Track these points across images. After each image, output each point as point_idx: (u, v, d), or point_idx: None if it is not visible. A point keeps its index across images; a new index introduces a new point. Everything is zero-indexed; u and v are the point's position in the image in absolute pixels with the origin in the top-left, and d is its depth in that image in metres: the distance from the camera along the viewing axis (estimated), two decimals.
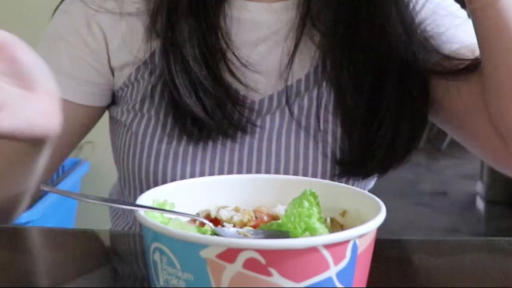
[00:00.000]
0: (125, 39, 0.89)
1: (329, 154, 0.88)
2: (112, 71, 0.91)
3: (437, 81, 0.87)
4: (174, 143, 0.86)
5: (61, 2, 0.93)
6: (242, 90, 0.88)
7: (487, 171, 4.19)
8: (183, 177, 0.85)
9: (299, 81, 0.90)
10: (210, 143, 0.86)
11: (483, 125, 0.85)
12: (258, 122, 0.89)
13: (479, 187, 4.24)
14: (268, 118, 0.89)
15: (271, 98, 0.89)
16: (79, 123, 0.93)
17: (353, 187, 0.62)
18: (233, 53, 0.87)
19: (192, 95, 0.85)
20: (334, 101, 0.89)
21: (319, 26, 0.89)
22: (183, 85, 0.85)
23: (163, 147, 0.86)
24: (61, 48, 0.91)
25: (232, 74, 0.87)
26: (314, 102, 0.89)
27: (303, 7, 0.89)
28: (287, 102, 0.88)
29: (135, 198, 0.91)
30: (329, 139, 0.88)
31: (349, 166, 0.87)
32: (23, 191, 0.83)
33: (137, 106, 0.89)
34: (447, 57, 0.87)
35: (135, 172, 0.88)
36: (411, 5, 0.88)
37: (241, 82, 0.88)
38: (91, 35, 0.90)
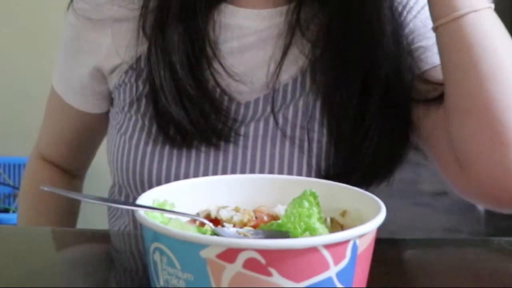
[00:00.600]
0: (113, 43, 0.91)
1: (313, 164, 0.87)
2: (106, 75, 0.94)
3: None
4: (159, 147, 0.87)
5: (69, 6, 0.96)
6: (226, 100, 0.88)
7: None
8: (168, 179, 0.85)
9: (285, 85, 0.89)
10: (194, 150, 0.86)
11: (445, 148, 0.83)
12: (242, 131, 0.88)
13: None
14: (252, 126, 0.88)
15: (256, 101, 0.89)
16: (93, 128, 1.02)
17: (353, 187, 0.62)
18: (220, 63, 0.87)
19: (178, 103, 0.85)
20: (320, 110, 0.88)
21: (308, 35, 0.88)
22: (168, 92, 0.85)
23: (149, 149, 0.87)
24: (63, 55, 0.97)
25: (218, 84, 0.87)
26: (300, 111, 0.88)
27: (292, 15, 0.88)
28: (272, 110, 0.88)
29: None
30: (315, 149, 0.87)
31: (333, 177, 0.87)
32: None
33: (126, 108, 0.91)
34: (424, 79, 0.86)
35: (123, 173, 0.89)
36: (404, 13, 0.88)
37: (225, 93, 0.87)
38: (86, 46, 0.93)
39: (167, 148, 0.86)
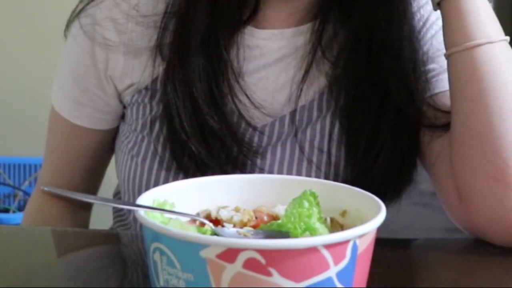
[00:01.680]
0: (125, 63, 0.87)
1: None
2: (119, 94, 0.90)
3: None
4: (172, 173, 0.84)
5: (71, 18, 0.91)
6: (244, 128, 0.85)
7: None
8: None
9: (303, 107, 0.86)
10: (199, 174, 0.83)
11: (447, 177, 0.81)
12: (258, 159, 0.85)
13: None
14: (269, 151, 0.86)
15: (273, 124, 0.86)
16: (99, 145, 0.95)
17: (353, 187, 0.62)
18: (245, 94, 0.84)
19: (198, 137, 0.82)
20: (339, 132, 0.86)
21: (328, 54, 0.86)
22: (189, 127, 0.81)
23: (162, 175, 0.85)
24: (70, 77, 0.91)
25: (241, 115, 0.84)
26: (318, 134, 0.86)
27: (316, 34, 0.86)
28: (295, 133, 0.85)
29: (134, 217, 0.91)
30: (332, 171, 0.86)
31: None
32: None
33: (138, 129, 0.88)
34: (433, 104, 0.84)
35: (135, 193, 0.87)
36: (423, 30, 0.86)
37: (244, 120, 0.84)
38: (95, 66, 0.88)
39: (181, 176, 0.84)
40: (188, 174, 0.83)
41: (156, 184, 0.85)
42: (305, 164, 0.85)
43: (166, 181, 0.84)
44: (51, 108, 0.96)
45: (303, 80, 0.86)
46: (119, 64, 0.87)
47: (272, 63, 0.86)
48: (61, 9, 0.96)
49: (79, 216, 1.01)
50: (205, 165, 0.82)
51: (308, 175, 0.85)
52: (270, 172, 0.85)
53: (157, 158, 0.85)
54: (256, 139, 0.86)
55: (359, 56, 0.84)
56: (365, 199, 0.59)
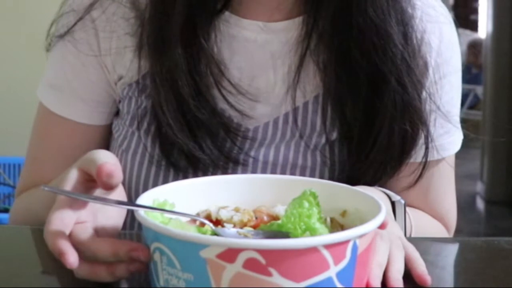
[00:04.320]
0: (117, 55, 0.86)
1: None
2: (115, 83, 0.88)
3: None
4: (163, 168, 0.83)
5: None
6: (236, 118, 0.84)
7: (487, 171, 4.19)
8: None
9: (296, 109, 0.85)
10: (200, 173, 0.82)
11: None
12: (252, 153, 0.84)
13: (479, 187, 4.24)
14: (262, 150, 0.84)
15: (266, 126, 0.84)
16: (91, 144, 0.91)
17: (353, 187, 0.62)
18: (228, 80, 0.82)
19: (184, 130, 0.81)
20: (339, 131, 0.85)
21: (325, 42, 0.84)
22: (174, 120, 0.80)
23: (153, 171, 0.84)
24: (67, 69, 0.89)
25: (228, 102, 0.82)
26: (316, 133, 0.85)
27: (307, 26, 0.84)
28: (300, 136, 0.84)
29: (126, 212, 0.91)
30: (327, 170, 0.85)
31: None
32: None
33: (127, 123, 0.87)
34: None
35: (125, 188, 0.86)
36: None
37: (236, 109, 0.83)
38: (90, 55, 0.87)
39: (172, 172, 0.83)
40: (179, 170, 0.83)
41: (147, 179, 0.84)
42: (302, 146, 0.85)
43: (157, 176, 0.84)
44: (39, 108, 0.93)
45: (297, 78, 0.84)
46: (111, 52, 0.87)
47: (261, 59, 0.85)
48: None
49: None
50: (197, 160, 0.82)
51: (305, 157, 0.84)
52: (265, 161, 0.84)
53: (147, 154, 0.84)
54: (248, 134, 0.84)
55: (351, 52, 0.82)
56: (365, 199, 0.59)
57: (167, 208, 0.57)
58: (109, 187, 0.58)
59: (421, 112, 0.84)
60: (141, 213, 0.53)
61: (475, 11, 7.99)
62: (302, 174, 0.84)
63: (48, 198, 0.66)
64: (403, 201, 0.79)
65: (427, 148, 0.85)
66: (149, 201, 0.57)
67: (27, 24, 2.34)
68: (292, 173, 0.84)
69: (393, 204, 0.79)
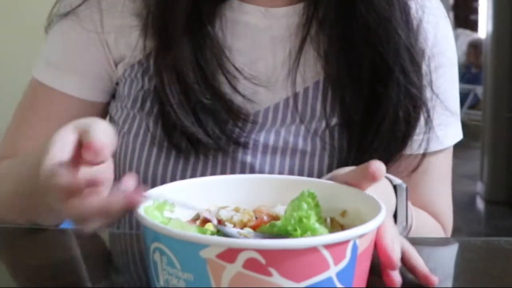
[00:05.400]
0: (120, 33, 0.87)
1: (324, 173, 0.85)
2: (115, 63, 0.89)
3: None
4: (165, 150, 0.84)
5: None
6: (238, 102, 0.84)
7: (487, 171, 4.19)
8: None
9: (296, 94, 0.86)
10: (201, 156, 0.84)
11: None
12: (253, 136, 0.85)
13: (479, 187, 4.23)
14: (263, 134, 0.85)
15: (266, 110, 0.85)
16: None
17: (353, 187, 0.62)
18: (233, 65, 0.84)
19: (188, 112, 0.81)
20: (339, 118, 0.85)
21: (325, 30, 0.85)
22: (178, 103, 0.81)
23: (154, 151, 0.84)
24: (67, 44, 0.90)
25: (232, 86, 0.83)
26: (316, 118, 0.85)
27: (308, 12, 0.85)
28: (301, 120, 0.85)
29: None
30: (326, 156, 0.85)
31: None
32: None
33: (129, 105, 0.87)
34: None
35: (125, 170, 0.86)
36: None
37: (239, 93, 0.84)
38: (92, 31, 0.88)
39: (173, 153, 0.84)
40: (180, 152, 0.83)
41: (148, 161, 0.85)
42: (302, 131, 0.85)
43: (158, 158, 0.84)
44: (29, 84, 0.92)
45: (297, 64, 0.85)
46: (114, 29, 0.87)
47: (262, 44, 0.86)
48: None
49: None
50: (198, 141, 0.83)
51: (305, 142, 0.84)
52: (265, 144, 0.85)
53: (149, 135, 0.85)
54: (251, 111, 0.85)
55: (353, 28, 0.83)
56: (365, 199, 0.59)
57: (167, 208, 0.57)
58: (91, 164, 0.57)
59: (423, 97, 0.84)
60: (141, 213, 0.53)
61: (475, 11, 7.98)
62: (302, 158, 0.85)
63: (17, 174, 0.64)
64: (404, 185, 0.77)
65: (427, 133, 0.86)
66: (149, 201, 0.57)
67: (28, 22, 2.34)
68: (292, 158, 0.85)
69: (395, 188, 0.78)
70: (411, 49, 0.84)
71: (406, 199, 0.77)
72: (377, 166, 0.59)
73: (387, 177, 0.81)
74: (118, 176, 0.86)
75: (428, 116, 0.86)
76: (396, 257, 0.57)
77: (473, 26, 7.77)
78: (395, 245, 0.58)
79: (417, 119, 0.85)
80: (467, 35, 7.23)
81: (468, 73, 6.51)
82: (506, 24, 4.10)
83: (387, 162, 0.84)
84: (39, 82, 0.91)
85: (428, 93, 0.86)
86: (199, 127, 0.82)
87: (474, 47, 6.70)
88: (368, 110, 0.84)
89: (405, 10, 0.84)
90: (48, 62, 0.91)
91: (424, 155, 0.87)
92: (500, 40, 4.16)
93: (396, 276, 0.59)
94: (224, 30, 0.85)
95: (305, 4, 0.86)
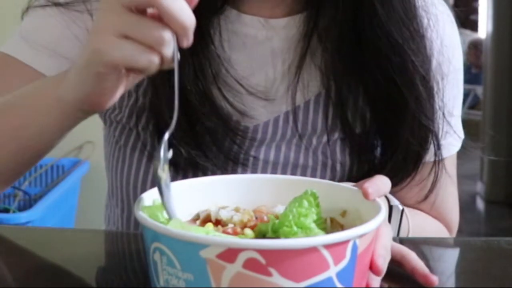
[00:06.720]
0: None
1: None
2: None
3: None
4: None
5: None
6: (235, 116, 0.82)
7: (487, 171, 4.19)
8: None
9: (297, 108, 0.84)
10: (200, 174, 0.81)
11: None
12: (252, 152, 0.83)
13: (479, 187, 4.23)
14: (263, 150, 0.84)
15: (266, 124, 0.84)
16: None
17: (353, 187, 0.62)
18: (232, 77, 0.81)
19: (186, 132, 0.79)
20: (340, 131, 0.84)
21: (326, 43, 0.83)
22: (177, 127, 0.80)
23: (151, 171, 0.83)
24: (49, 26, 0.83)
25: (227, 100, 0.81)
26: (316, 134, 0.84)
27: (309, 25, 0.83)
28: (299, 137, 0.83)
29: (122, 209, 0.90)
30: (329, 172, 0.85)
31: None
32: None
33: (124, 120, 0.85)
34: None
35: (123, 185, 0.86)
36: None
37: (236, 109, 0.81)
38: (82, 27, 0.82)
39: (171, 169, 0.83)
40: (178, 169, 0.81)
41: (145, 176, 0.84)
42: (303, 146, 0.84)
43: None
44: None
45: (297, 77, 0.83)
46: None
47: (262, 56, 0.84)
48: None
49: None
50: (196, 162, 0.81)
51: (306, 157, 0.84)
52: (266, 160, 0.83)
53: (146, 151, 0.83)
54: (248, 132, 0.83)
55: (355, 43, 0.81)
56: (365, 199, 0.58)
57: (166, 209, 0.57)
58: None
59: (433, 110, 0.83)
60: (141, 213, 0.53)
61: (475, 11, 7.98)
62: (303, 174, 0.84)
63: None
64: (401, 207, 0.77)
65: (438, 147, 0.85)
66: (149, 201, 0.57)
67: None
68: (293, 173, 0.83)
69: (390, 208, 0.78)
70: (426, 76, 0.81)
71: (400, 220, 0.77)
72: (372, 188, 0.58)
73: (385, 196, 0.80)
74: (117, 188, 0.86)
75: (438, 130, 0.84)
76: (381, 263, 0.56)
77: (473, 26, 7.76)
78: (386, 253, 0.58)
79: (427, 136, 0.84)
80: (467, 35, 7.22)
81: (468, 73, 6.50)
82: (506, 24, 4.10)
83: (396, 183, 0.83)
84: (5, 53, 0.84)
85: (437, 104, 0.84)
86: (197, 148, 0.80)
87: (474, 47, 6.70)
88: (375, 125, 0.83)
89: (419, 34, 0.82)
90: (23, 36, 0.84)
91: (434, 162, 0.86)
92: (500, 40, 4.16)
93: (375, 283, 0.57)
94: (222, 41, 0.83)
95: (306, 15, 0.83)
